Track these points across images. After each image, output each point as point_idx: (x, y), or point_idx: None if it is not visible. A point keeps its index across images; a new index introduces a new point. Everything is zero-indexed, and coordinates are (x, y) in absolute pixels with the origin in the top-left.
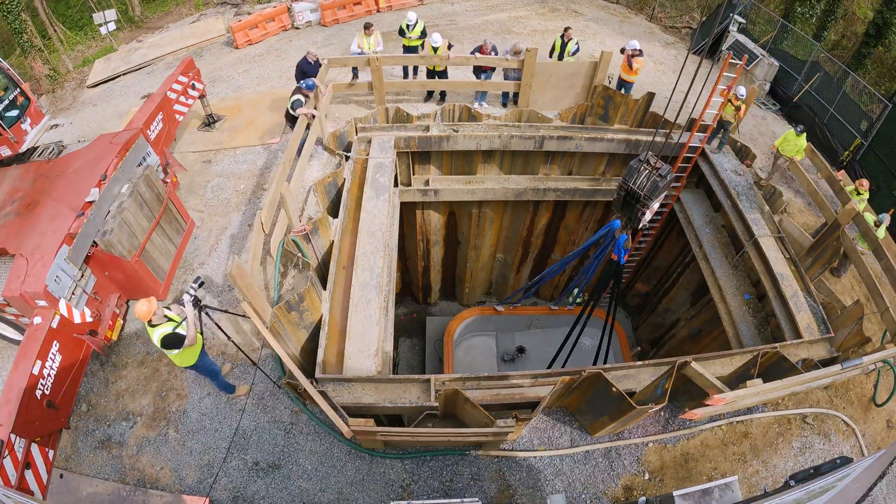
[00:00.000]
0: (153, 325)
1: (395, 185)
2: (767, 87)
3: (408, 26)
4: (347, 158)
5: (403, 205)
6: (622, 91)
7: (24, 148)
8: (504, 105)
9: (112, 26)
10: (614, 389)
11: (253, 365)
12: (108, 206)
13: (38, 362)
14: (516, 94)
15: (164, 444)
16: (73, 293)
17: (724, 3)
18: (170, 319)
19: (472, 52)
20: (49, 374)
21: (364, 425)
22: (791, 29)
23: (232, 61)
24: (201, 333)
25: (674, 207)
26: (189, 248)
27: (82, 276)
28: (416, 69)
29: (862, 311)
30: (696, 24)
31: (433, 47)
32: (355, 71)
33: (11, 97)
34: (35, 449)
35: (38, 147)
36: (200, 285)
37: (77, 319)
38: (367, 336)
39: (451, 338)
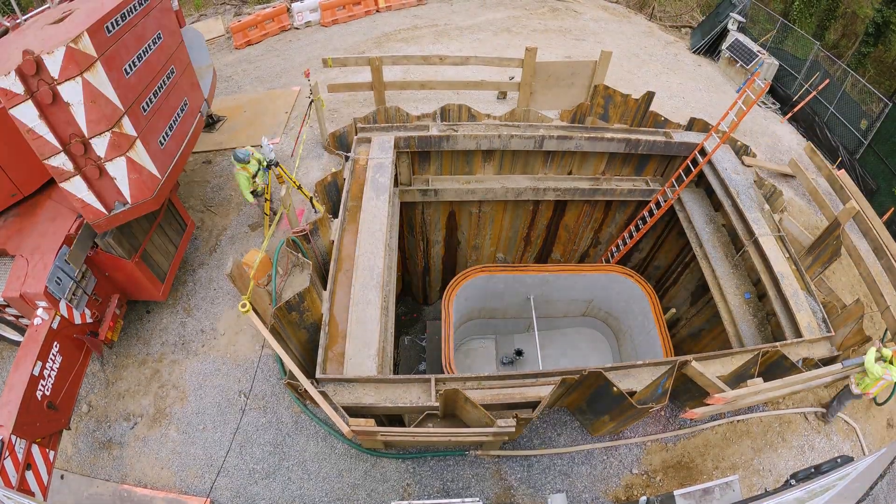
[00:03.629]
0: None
1: (396, 184)
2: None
3: None
4: (347, 158)
5: (403, 205)
6: None
7: None
8: None
9: None
10: (615, 389)
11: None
12: None
13: (39, 363)
14: None
15: (164, 444)
16: (73, 294)
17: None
18: None
19: None
20: (49, 375)
21: (365, 425)
22: (791, 28)
23: (231, 61)
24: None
25: (674, 207)
26: (189, 248)
27: (82, 276)
28: None
29: (862, 309)
30: (695, 23)
31: None
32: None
33: None
34: (36, 450)
35: None
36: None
37: (77, 320)
38: (368, 336)
39: (451, 301)
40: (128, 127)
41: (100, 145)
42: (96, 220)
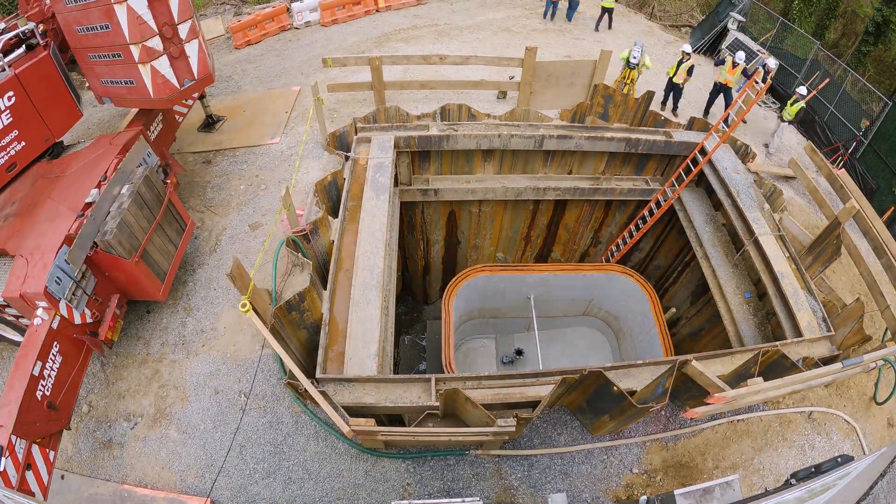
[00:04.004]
0: None
1: (396, 184)
2: None
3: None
4: (347, 158)
5: (404, 204)
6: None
7: None
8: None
9: None
10: (615, 388)
11: None
12: (108, 206)
13: (39, 363)
14: None
15: (164, 444)
16: (73, 294)
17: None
18: None
19: None
20: (49, 375)
21: (365, 425)
22: (791, 27)
23: (231, 62)
24: None
25: (674, 206)
26: (189, 248)
27: (82, 276)
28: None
29: (862, 309)
30: (695, 22)
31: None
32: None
33: None
34: (36, 450)
35: None
36: None
37: (77, 320)
38: (368, 336)
39: (451, 301)
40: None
41: (183, 30)
42: (170, 95)
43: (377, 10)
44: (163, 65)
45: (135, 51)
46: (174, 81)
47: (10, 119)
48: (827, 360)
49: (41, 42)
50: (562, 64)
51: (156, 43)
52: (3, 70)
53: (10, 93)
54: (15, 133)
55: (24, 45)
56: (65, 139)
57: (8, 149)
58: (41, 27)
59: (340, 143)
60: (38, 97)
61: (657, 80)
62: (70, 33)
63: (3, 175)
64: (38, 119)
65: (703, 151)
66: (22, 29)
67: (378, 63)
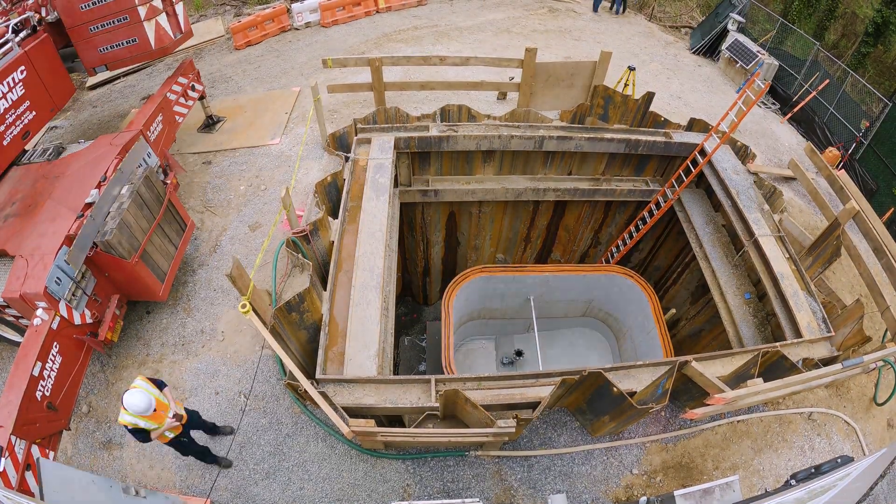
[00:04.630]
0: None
1: (396, 185)
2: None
3: None
4: (347, 159)
5: (403, 205)
6: None
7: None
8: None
9: None
10: (615, 389)
11: None
12: (107, 207)
13: (39, 364)
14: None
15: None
16: (73, 294)
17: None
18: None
19: None
20: (49, 376)
21: (365, 426)
22: (790, 28)
23: (231, 62)
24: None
25: (673, 207)
26: (189, 248)
27: (82, 277)
28: None
29: (862, 310)
30: (695, 23)
31: None
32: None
33: None
34: (36, 450)
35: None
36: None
37: (77, 321)
38: (368, 337)
39: (451, 301)
40: None
41: None
42: (168, 44)
43: (377, 11)
44: (162, 20)
45: (142, 10)
46: (170, 33)
47: (23, 91)
48: (827, 361)
49: (38, 27)
50: (562, 65)
51: (157, 2)
52: (12, 50)
53: (22, 67)
54: (27, 104)
55: (29, 28)
56: (65, 140)
57: (22, 118)
58: (37, 16)
59: (340, 143)
60: (43, 72)
61: (657, 81)
62: (70, 13)
63: (19, 143)
64: (44, 91)
65: (702, 152)
66: (20, 18)
67: (378, 64)
